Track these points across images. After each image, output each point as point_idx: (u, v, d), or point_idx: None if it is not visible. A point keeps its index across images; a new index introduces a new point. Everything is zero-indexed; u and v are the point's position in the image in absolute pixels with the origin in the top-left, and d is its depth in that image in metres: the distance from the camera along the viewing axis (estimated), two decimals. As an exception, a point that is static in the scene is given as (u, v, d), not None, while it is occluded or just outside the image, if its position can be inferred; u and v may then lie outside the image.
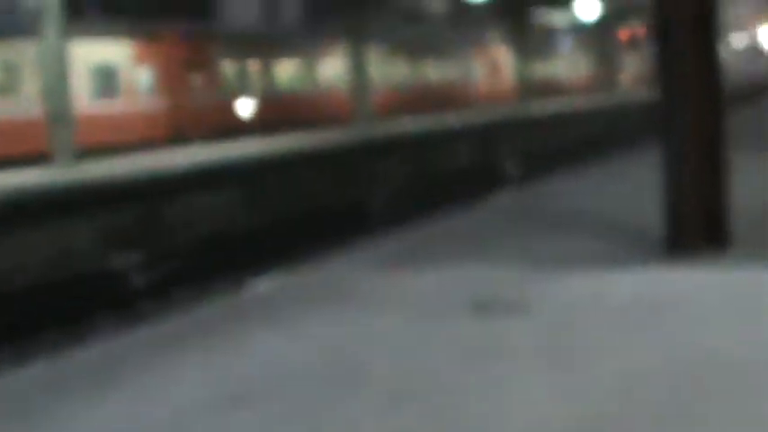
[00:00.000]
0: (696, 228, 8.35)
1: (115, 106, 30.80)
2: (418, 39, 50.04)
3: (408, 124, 37.40)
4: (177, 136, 32.89)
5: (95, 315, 17.81)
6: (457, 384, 5.47)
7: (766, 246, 8.69)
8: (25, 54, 27.96)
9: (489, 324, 6.76)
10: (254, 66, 37.10)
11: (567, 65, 69.27)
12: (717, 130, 8.37)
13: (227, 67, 35.69)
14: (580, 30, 65.40)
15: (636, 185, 14.05)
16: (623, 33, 68.73)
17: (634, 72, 74.68)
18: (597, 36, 63.05)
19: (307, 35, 41.38)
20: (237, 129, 35.75)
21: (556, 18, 54.39)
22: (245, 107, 36.35)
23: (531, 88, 48.88)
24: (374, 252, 10.19)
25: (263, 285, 8.86)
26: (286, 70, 39.09)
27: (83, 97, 29.42)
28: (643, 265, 8.23)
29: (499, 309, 7.16)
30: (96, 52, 30.22)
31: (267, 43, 38.32)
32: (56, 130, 22.86)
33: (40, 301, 18.01)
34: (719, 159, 8.39)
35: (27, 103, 27.87)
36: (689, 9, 8.31)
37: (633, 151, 21.60)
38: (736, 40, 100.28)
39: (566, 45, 70.27)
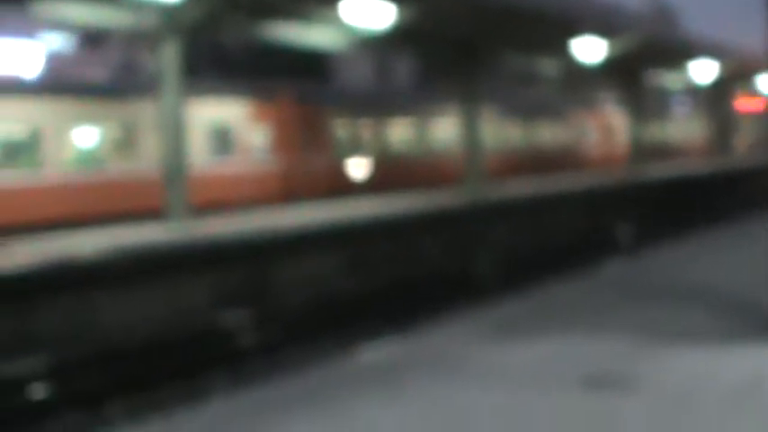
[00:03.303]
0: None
1: (229, 165, 31.27)
2: (532, 100, 49.97)
3: (521, 188, 37.28)
4: (290, 196, 33.23)
5: (205, 374, 18.00)
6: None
7: None
8: (145, 113, 28.59)
9: (597, 401, 6.66)
10: (367, 126, 37.40)
11: (682, 128, 68.55)
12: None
13: (341, 128, 36.02)
14: (695, 92, 64.73)
15: (752, 255, 13.80)
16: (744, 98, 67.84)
17: (751, 135, 73.63)
18: (713, 99, 62.32)
19: (420, 96, 41.61)
20: (349, 189, 36.00)
21: (671, 80, 53.91)
22: (357, 168, 36.61)
23: (644, 151, 48.42)
24: (482, 320, 10.15)
25: (371, 353, 8.87)
26: (399, 131, 39.32)
27: (198, 155, 29.95)
28: (758, 342, 8.07)
29: (609, 385, 7.06)
30: (212, 111, 30.76)
31: (380, 104, 38.61)
32: (171, 187, 23.27)
33: (152, 359, 18.27)
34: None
35: (145, 160, 28.46)
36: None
37: (750, 217, 21.25)
38: None
39: (680, 107, 69.57)
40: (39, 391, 16.53)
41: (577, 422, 6.19)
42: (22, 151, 25.60)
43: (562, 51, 37.75)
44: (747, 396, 6.56)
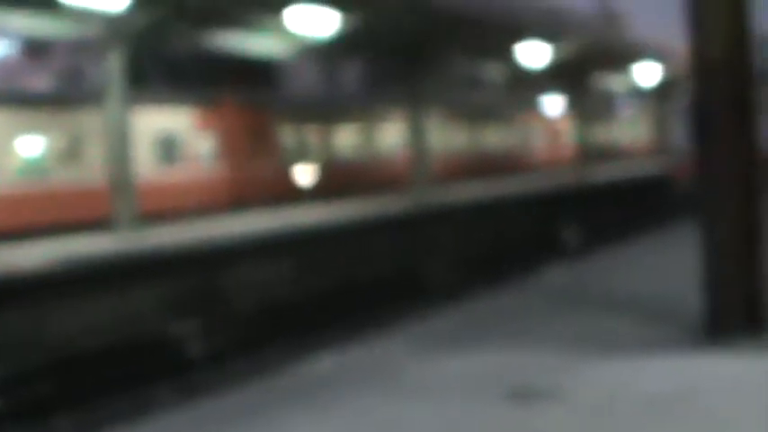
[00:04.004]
0: (734, 313, 8.43)
1: (176, 173, 31.30)
2: (478, 104, 50.33)
3: (467, 191, 37.56)
4: (237, 203, 33.31)
5: (152, 384, 18.06)
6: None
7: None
8: (91, 122, 28.56)
9: (520, 413, 6.87)
10: (314, 132, 37.54)
11: (627, 129, 69.22)
12: (756, 214, 8.47)
13: (288, 134, 36.14)
14: (641, 94, 65.44)
15: (693, 258, 14.09)
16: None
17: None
18: (658, 100, 63.03)
19: (366, 101, 41.82)
20: (297, 195, 36.13)
21: (616, 83, 54.49)
22: (304, 174, 36.74)
23: (590, 154, 48.91)
24: (424, 330, 10.35)
25: (314, 365, 9.04)
26: (346, 136, 39.49)
27: (144, 164, 29.95)
28: (681, 351, 8.31)
29: (535, 395, 7.28)
30: (158, 120, 30.78)
31: (327, 110, 38.76)
32: (118, 197, 23.30)
33: (99, 369, 18.30)
34: (759, 244, 8.48)
35: (90, 170, 28.42)
36: (727, 92, 8.44)
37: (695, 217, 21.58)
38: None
39: (626, 109, 70.27)
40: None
41: (504, 434, 6.39)
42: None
43: (508, 55, 38.09)
44: (661, 403, 6.79)
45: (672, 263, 14.18)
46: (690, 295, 10.96)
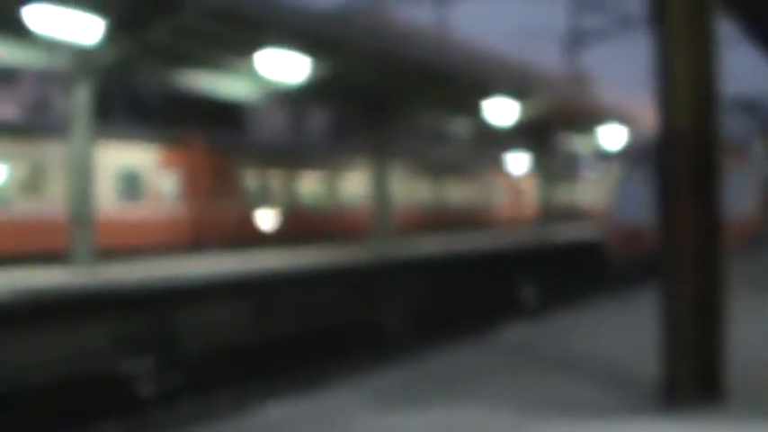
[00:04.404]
0: (690, 379, 8.40)
1: (137, 210, 31.13)
2: (442, 158, 50.50)
3: (428, 244, 37.58)
4: (197, 243, 33.15)
5: (99, 422, 17.83)
6: None
7: (763, 401, 8.72)
8: (52, 153, 28.38)
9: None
10: (277, 176, 37.50)
11: (591, 190, 69.64)
12: (716, 283, 8.46)
13: (251, 177, 36.07)
14: (605, 157, 65.90)
15: (649, 324, 14.10)
16: None
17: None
18: (621, 164, 63.45)
19: (331, 148, 41.87)
20: (257, 239, 36.00)
21: (581, 144, 54.87)
22: (266, 218, 36.65)
23: (553, 213, 49.12)
24: (377, 382, 10.27)
25: (262, 415, 8.93)
26: (309, 183, 39.48)
27: (106, 199, 29.78)
28: (637, 418, 8.27)
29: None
30: (122, 155, 30.65)
31: (291, 155, 38.76)
32: (77, 230, 23.12)
33: (46, 405, 18.06)
34: (716, 306, 8.46)
35: (50, 202, 28.22)
36: (693, 160, 8.46)
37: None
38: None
39: (590, 172, 70.76)
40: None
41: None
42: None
43: (474, 111, 38.26)
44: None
45: (631, 326, 14.18)
46: (649, 360, 10.95)
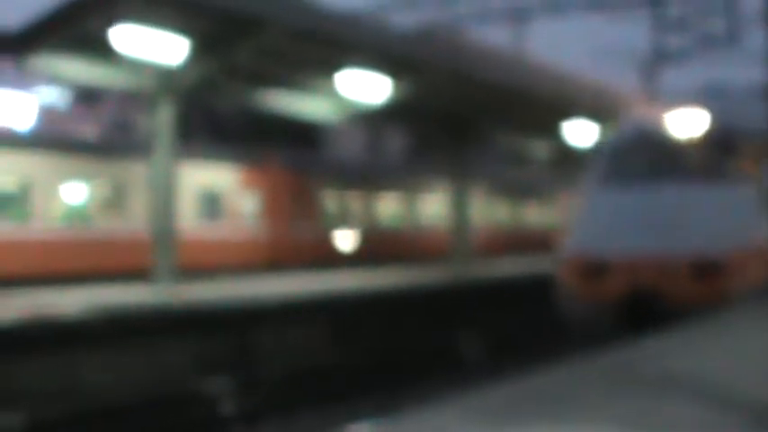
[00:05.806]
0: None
1: (218, 230, 31.24)
2: (521, 180, 50.21)
3: (506, 265, 37.29)
4: (276, 263, 33.20)
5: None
6: None
7: None
8: (135, 173, 28.60)
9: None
10: (355, 197, 37.47)
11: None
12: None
13: (329, 197, 36.08)
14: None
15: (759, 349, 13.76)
16: None
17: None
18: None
19: (410, 170, 41.78)
20: (336, 260, 35.97)
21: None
22: (344, 239, 36.61)
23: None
24: (478, 403, 10.10)
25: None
26: (387, 205, 39.40)
27: (187, 218, 29.93)
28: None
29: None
30: (203, 175, 30.80)
31: (370, 176, 38.71)
32: (159, 249, 23.22)
33: (131, 421, 18.11)
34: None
35: (134, 221, 28.42)
36: None
37: None
38: None
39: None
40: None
41: None
42: (10, 204, 25.55)
43: (553, 132, 37.99)
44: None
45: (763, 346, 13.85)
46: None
